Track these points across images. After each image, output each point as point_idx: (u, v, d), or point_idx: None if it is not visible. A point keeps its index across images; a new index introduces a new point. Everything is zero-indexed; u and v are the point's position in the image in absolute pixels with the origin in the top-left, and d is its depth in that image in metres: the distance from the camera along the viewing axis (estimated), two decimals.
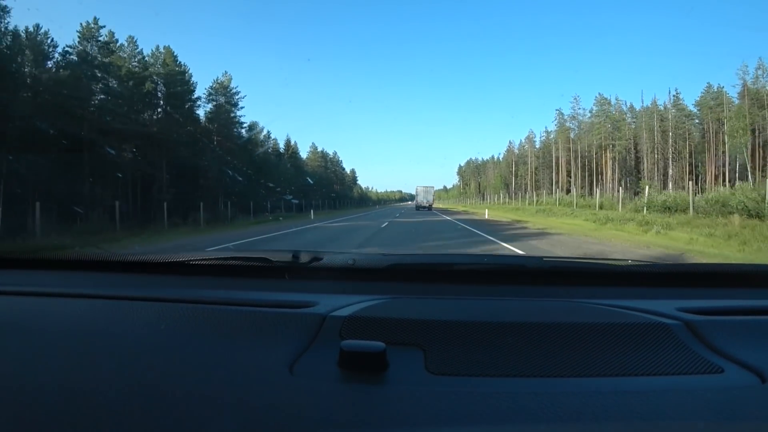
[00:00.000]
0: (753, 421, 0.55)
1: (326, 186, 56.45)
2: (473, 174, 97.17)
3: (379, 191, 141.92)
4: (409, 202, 73.94)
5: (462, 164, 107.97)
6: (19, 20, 25.76)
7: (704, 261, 6.10)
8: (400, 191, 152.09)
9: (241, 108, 34.76)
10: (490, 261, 1.13)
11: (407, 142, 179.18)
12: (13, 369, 0.66)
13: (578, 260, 1.45)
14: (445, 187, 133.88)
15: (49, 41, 23.01)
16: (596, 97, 49.68)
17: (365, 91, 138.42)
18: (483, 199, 73.19)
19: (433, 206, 38.73)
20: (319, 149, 67.82)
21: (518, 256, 1.86)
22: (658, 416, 0.55)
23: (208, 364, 0.67)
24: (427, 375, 0.64)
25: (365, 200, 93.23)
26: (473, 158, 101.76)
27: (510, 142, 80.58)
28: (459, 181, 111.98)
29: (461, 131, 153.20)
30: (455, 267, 1.11)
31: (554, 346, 0.70)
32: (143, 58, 27.58)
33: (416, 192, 41.06)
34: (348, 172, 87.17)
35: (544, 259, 1.15)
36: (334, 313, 0.80)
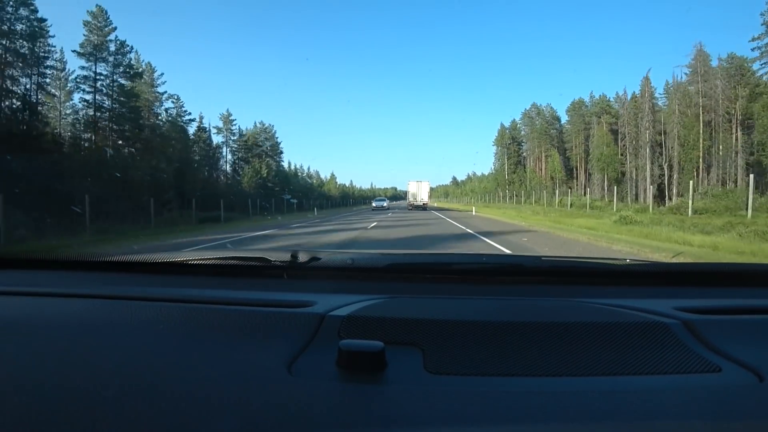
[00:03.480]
0: (750, 419, 0.55)
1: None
2: (540, 141, 50.57)
3: (360, 187, 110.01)
4: (382, 205, 57.34)
5: (506, 123, 58.71)
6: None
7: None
8: (395, 188, 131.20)
9: None
10: (489, 260, 1.13)
11: (402, 141, 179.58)
12: (12, 369, 0.66)
13: (576, 259, 1.45)
14: (455, 179, 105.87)
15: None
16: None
17: (363, 91, 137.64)
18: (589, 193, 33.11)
19: (428, 205, 34.91)
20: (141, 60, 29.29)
21: (517, 256, 1.88)
22: (656, 415, 0.55)
23: (207, 363, 0.67)
24: (426, 374, 0.64)
25: (293, 192, 41.71)
26: (538, 105, 54.07)
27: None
28: (497, 159, 60.71)
29: (459, 131, 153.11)
30: (454, 266, 1.11)
31: (552, 346, 0.70)
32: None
33: (408, 188, 35.62)
34: (267, 139, 45.01)
35: (543, 258, 1.15)
36: (332, 313, 0.80)
